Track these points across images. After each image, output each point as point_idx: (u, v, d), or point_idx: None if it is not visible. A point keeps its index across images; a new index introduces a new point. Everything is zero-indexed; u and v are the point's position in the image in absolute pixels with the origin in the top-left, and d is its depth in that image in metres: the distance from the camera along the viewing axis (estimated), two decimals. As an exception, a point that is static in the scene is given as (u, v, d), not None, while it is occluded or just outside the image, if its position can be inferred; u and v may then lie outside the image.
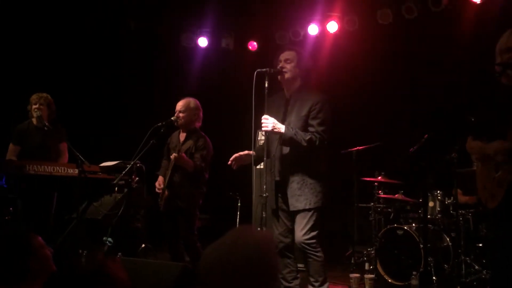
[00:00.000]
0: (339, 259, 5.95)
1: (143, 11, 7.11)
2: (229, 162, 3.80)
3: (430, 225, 5.15)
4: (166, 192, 4.45)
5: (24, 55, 6.49)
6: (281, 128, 3.51)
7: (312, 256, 3.56)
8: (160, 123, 4.34)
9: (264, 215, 3.45)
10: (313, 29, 6.92)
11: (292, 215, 3.64)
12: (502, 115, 2.77)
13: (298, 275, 3.75)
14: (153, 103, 7.13)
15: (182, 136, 4.63)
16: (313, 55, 6.24)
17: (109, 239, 5.55)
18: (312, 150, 3.52)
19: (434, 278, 4.80)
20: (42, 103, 4.80)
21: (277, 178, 3.64)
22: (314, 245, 3.55)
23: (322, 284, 3.60)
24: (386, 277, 5.07)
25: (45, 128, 4.61)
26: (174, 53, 7.61)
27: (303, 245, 3.55)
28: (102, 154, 4.68)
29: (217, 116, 6.74)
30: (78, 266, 3.79)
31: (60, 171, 4.29)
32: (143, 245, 6.08)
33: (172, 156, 4.34)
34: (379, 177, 5.58)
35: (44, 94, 4.88)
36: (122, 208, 4.94)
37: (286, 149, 3.61)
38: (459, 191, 5.04)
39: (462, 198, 5.30)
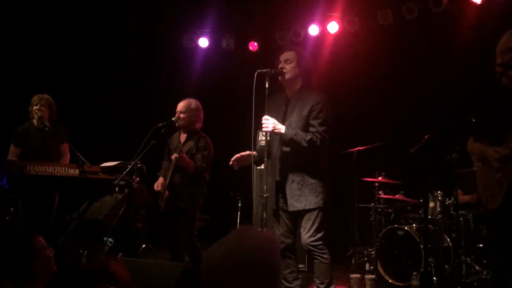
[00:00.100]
0: (339, 260, 5.95)
1: (143, 11, 7.11)
2: (231, 163, 3.79)
3: (431, 226, 5.14)
4: (167, 193, 4.46)
5: (24, 56, 6.50)
6: (282, 128, 3.51)
7: (318, 258, 3.55)
8: (160, 124, 4.34)
9: (264, 216, 3.45)
10: (313, 30, 6.92)
11: (292, 216, 3.64)
12: (503, 116, 2.78)
13: (299, 276, 3.74)
14: (153, 104, 7.13)
15: (183, 137, 4.64)
16: (314, 55, 6.24)
17: (110, 239, 5.57)
18: (313, 150, 3.51)
19: (434, 278, 4.80)
20: (43, 104, 4.81)
21: (278, 178, 3.64)
22: (321, 246, 3.54)
23: (327, 286, 3.59)
24: (386, 277, 5.07)
25: (46, 129, 4.62)
26: (174, 54, 7.61)
27: (310, 247, 3.54)
28: (103, 155, 4.68)
29: (218, 117, 6.74)
30: (79, 266, 3.79)
31: (61, 171, 4.29)
32: (143, 245, 6.09)
33: (173, 157, 4.34)
34: (380, 178, 5.58)
35: (45, 95, 4.89)
36: (122, 209, 4.96)
37: (286, 149, 3.60)
38: (459, 191, 5.04)
39: (463, 198, 5.30)
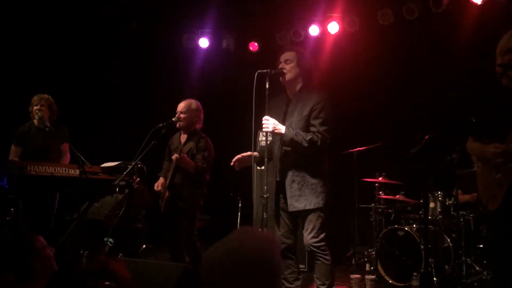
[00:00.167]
0: (340, 260, 5.95)
1: (144, 11, 7.12)
2: (232, 163, 3.79)
3: (431, 226, 5.15)
4: (167, 193, 4.46)
5: (24, 56, 6.50)
6: (282, 128, 3.50)
7: (320, 259, 3.54)
8: (161, 124, 4.34)
9: (265, 216, 3.45)
10: (314, 30, 6.92)
11: (293, 216, 3.63)
12: (503, 116, 2.78)
13: (300, 276, 3.73)
14: (154, 104, 7.13)
15: (183, 137, 4.64)
16: (314, 56, 6.24)
17: (110, 239, 5.57)
18: (314, 150, 3.50)
19: (435, 279, 4.80)
20: (43, 104, 4.82)
21: (278, 179, 3.64)
22: (323, 248, 3.53)
23: (329, 287, 3.59)
24: (386, 278, 5.07)
25: (46, 129, 4.62)
26: (175, 54, 7.61)
27: (312, 248, 3.53)
28: (103, 155, 4.68)
29: (218, 117, 6.74)
30: (80, 266, 3.79)
31: (61, 171, 4.29)
32: (144, 246, 6.09)
33: (173, 157, 4.34)
34: (380, 178, 5.58)
35: (45, 95, 4.90)
36: (123, 209, 4.96)
37: (287, 150, 3.59)
38: (459, 191, 5.05)
39: (463, 197, 5.31)
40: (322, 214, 3.54)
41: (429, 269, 4.77)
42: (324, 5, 6.70)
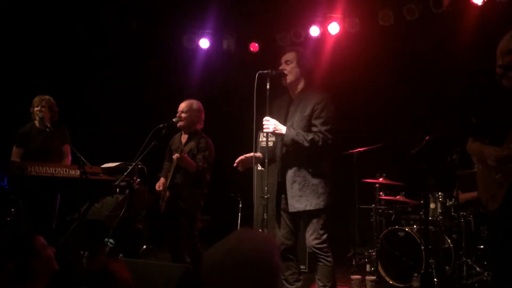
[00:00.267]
0: (340, 261, 5.95)
1: (144, 11, 7.12)
2: (235, 164, 3.78)
3: (431, 227, 5.15)
4: (168, 193, 4.47)
5: (25, 56, 6.50)
6: (282, 129, 3.49)
7: (322, 260, 3.52)
8: (161, 125, 4.34)
9: (265, 217, 3.44)
10: (314, 31, 6.93)
11: (293, 217, 3.62)
12: (503, 117, 2.78)
13: (301, 277, 3.72)
14: (154, 105, 7.13)
15: (184, 137, 4.64)
16: (315, 56, 6.24)
17: (111, 240, 5.57)
18: (316, 150, 3.47)
19: (435, 279, 4.81)
20: (44, 105, 4.82)
21: (279, 179, 3.64)
22: (325, 249, 3.51)
23: None
24: (387, 278, 5.07)
25: (47, 130, 4.63)
26: (175, 54, 7.62)
27: (314, 249, 3.51)
28: (104, 156, 4.68)
29: (218, 118, 6.75)
30: (80, 267, 3.79)
31: (61, 172, 4.29)
32: (144, 246, 6.09)
33: (174, 157, 4.34)
34: (380, 179, 5.58)
35: (46, 97, 4.90)
36: (123, 209, 4.95)
37: (288, 150, 3.59)
38: (459, 192, 5.05)
39: (463, 196, 5.31)
40: (323, 215, 3.52)
41: (430, 270, 4.78)
42: (325, 6, 6.70)
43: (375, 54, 6.48)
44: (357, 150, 5.69)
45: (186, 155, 4.37)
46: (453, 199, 5.15)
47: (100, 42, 7.07)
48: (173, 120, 4.48)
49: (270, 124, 3.50)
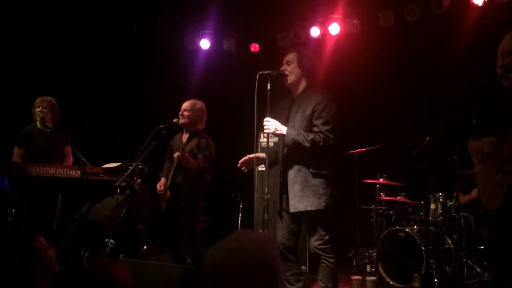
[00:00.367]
0: (340, 261, 5.94)
1: (145, 12, 7.13)
2: (239, 165, 3.77)
3: (432, 227, 5.14)
4: (168, 193, 4.47)
5: (25, 57, 6.51)
6: (283, 129, 3.49)
7: (324, 261, 3.52)
8: (162, 125, 4.35)
9: (266, 217, 3.44)
10: (315, 31, 6.93)
11: (294, 217, 3.62)
12: (503, 117, 2.78)
13: (301, 278, 3.72)
14: (154, 105, 7.14)
15: (185, 137, 4.65)
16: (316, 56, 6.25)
17: (111, 240, 5.57)
18: (317, 150, 3.46)
19: (435, 280, 4.81)
20: (45, 106, 4.83)
21: (281, 180, 3.63)
22: (328, 250, 3.51)
23: None
24: (387, 279, 5.07)
25: (48, 131, 4.63)
26: (176, 55, 7.62)
27: (317, 250, 3.51)
28: (104, 156, 4.69)
29: (219, 118, 6.75)
30: (81, 267, 3.79)
31: (62, 172, 4.30)
32: (145, 247, 6.09)
33: (175, 155, 4.34)
34: (381, 179, 5.58)
35: (48, 98, 4.91)
36: (124, 210, 4.95)
37: (289, 150, 3.59)
38: (459, 193, 5.05)
39: (464, 198, 5.31)
40: (324, 216, 3.51)
41: (430, 270, 4.78)
42: (325, 7, 6.70)
43: (375, 54, 6.48)
44: (357, 150, 5.70)
45: (186, 153, 4.37)
46: (454, 200, 5.16)
47: (100, 42, 7.08)
48: (174, 120, 4.48)
49: (271, 124, 3.50)
